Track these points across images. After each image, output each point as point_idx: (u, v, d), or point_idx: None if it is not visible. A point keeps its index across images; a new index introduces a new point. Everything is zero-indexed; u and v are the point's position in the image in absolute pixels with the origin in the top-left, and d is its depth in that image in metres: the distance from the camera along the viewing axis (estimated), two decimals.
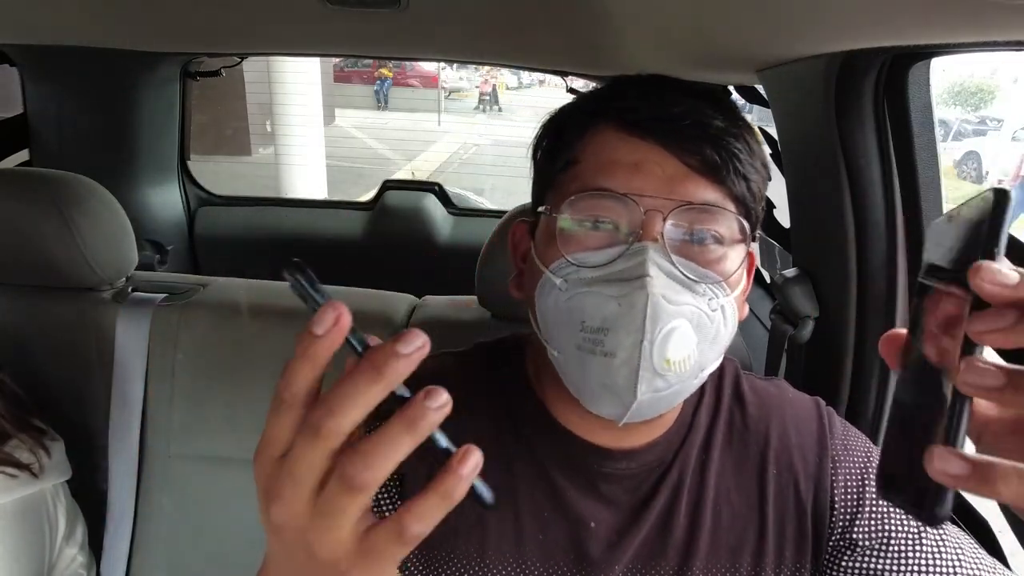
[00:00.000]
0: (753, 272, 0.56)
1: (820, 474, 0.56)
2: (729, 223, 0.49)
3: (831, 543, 0.55)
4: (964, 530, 0.76)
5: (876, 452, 0.58)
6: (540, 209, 0.54)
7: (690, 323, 0.46)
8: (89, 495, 0.96)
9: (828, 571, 0.55)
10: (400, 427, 0.27)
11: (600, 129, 0.51)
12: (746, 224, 0.50)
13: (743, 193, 0.50)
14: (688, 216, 0.48)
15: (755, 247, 0.55)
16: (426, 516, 0.28)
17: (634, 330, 0.45)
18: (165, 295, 1.00)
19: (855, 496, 0.55)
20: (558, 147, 0.54)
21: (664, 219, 0.47)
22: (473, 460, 0.29)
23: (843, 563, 0.54)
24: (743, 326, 1.07)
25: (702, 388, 0.59)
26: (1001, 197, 0.26)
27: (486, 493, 0.31)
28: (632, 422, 0.49)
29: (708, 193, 0.48)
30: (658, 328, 0.45)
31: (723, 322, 0.49)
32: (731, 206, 0.49)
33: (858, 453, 0.57)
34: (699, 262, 0.48)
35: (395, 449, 0.27)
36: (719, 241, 0.49)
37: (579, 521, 0.54)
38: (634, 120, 0.50)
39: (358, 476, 0.27)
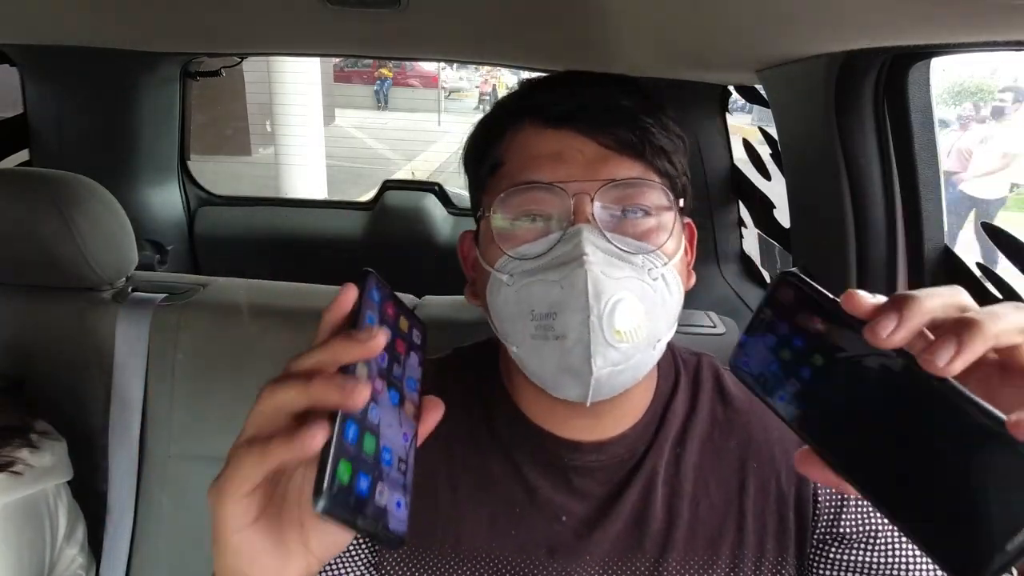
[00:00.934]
0: (695, 243, 0.59)
1: None
2: (655, 194, 0.51)
3: (816, 536, 0.56)
4: None
5: None
6: (477, 215, 0.56)
7: (633, 294, 0.48)
8: (89, 495, 0.96)
9: (815, 563, 0.56)
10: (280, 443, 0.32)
11: (519, 128, 0.54)
12: (670, 193, 0.52)
13: (663, 166, 0.52)
14: (614, 193, 0.50)
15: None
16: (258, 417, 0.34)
17: (579, 308, 0.47)
18: (165, 295, 1.00)
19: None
20: (484, 152, 0.56)
21: (592, 200, 0.49)
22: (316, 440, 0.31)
23: (830, 555, 0.55)
24: (743, 326, 1.07)
25: (675, 381, 0.61)
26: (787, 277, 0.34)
27: (398, 525, 0.33)
28: (600, 401, 0.50)
29: (630, 170, 0.51)
30: (603, 302, 0.47)
31: (666, 290, 0.51)
32: (655, 178, 0.52)
33: None
34: (632, 235, 0.50)
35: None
36: (648, 213, 0.51)
37: (552, 515, 0.55)
38: (549, 114, 0.52)
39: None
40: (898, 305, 0.29)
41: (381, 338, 0.32)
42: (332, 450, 0.30)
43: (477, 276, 0.57)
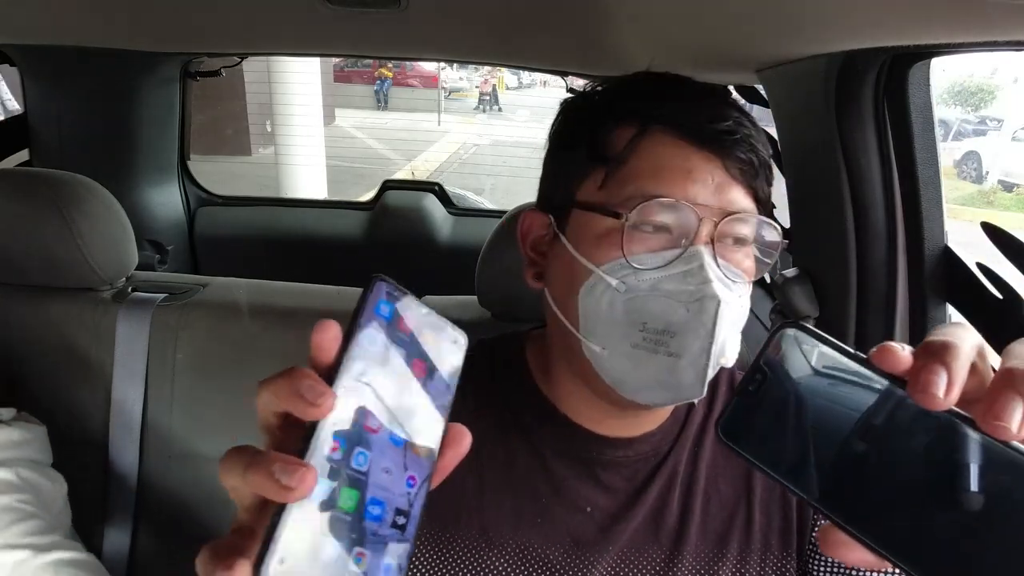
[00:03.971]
0: None
1: None
2: (770, 231, 0.53)
3: (814, 535, 0.57)
4: None
5: None
6: (568, 203, 0.54)
7: (737, 327, 0.52)
8: (89, 496, 0.96)
9: (811, 562, 0.57)
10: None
11: (651, 132, 0.52)
12: (777, 228, 0.54)
13: (765, 197, 0.54)
14: (732, 223, 0.51)
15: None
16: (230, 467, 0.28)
17: (704, 335, 0.48)
18: (165, 295, 1.00)
19: None
20: (595, 141, 0.54)
21: (716, 225, 0.50)
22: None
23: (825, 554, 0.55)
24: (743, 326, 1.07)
25: None
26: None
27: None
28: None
29: (745, 200, 0.52)
30: (722, 333, 0.49)
31: (745, 311, 0.54)
32: (760, 209, 0.53)
33: None
34: (737, 264, 0.52)
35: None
36: (746, 243, 0.53)
37: (576, 506, 0.56)
38: (687, 128, 0.51)
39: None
40: (941, 358, 0.27)
41: (328, 402, 0.26)
42: (282, 516, 0.24)
43: (550, 263, 0.57)
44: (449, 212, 1.85)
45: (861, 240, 0.78)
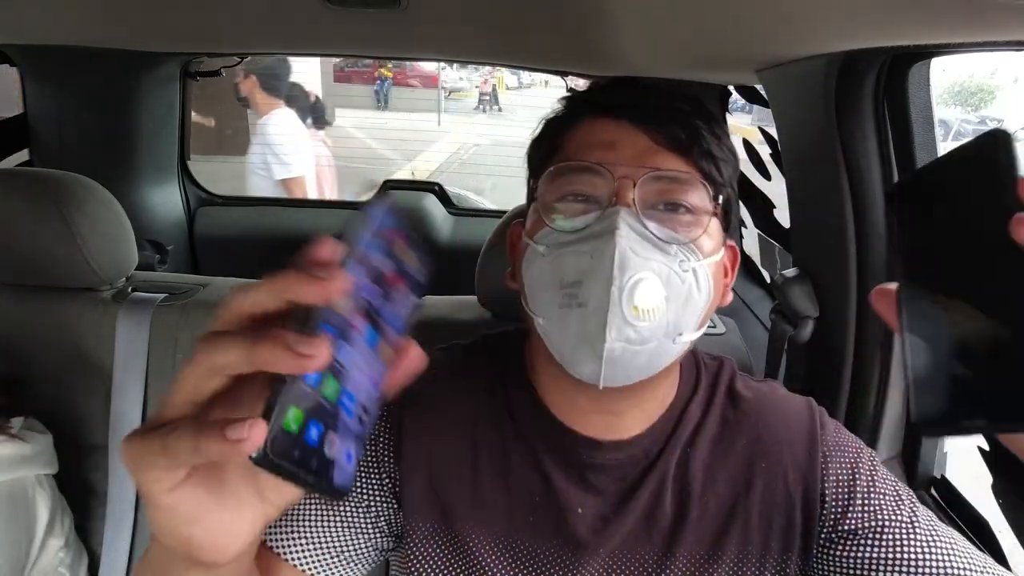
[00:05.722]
0: (737, 265, 0.60)
1: (810, 468, 0.57)
2: (698, 193, 0.52)
3: (823, 535, 0.56)
4: (963, 528, 0.76)
5: (867, 451, 0.59)
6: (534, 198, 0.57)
7: (659, 277, 0.49)
8: (90, 494, 0.96)
9: (822, 562, 0.56)
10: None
11: (580, 120, 0.56)
12: (711, 196, 0.53)
13: (710, 171, 0.53)
14: (658, 186, 0.52)
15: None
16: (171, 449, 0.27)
17: (604, 278, 0.48)
18: (165, 295, 1.00)
19: (846, 489, 0.56)
20: (545, 143, 0.58)
21: (635, 186, 0.50)
22: (240, 432, 0.25)
23: (837, 552, 0.55)
24: (743, 326, 1.07)
25: (695, 386, 0.61)
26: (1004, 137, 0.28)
27: (343, 478, 0.29)
28: (614, 389, 0.51)
29: (676, 166, 0.52)
30: (626, 276, 0.48)
31: (695, 285, 0.51)
32: (699, 178, 0.53)
33: (848, 449, 0.59)
34: (669, 226, 0.51)
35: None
36: (690, 210, 0.52)
37: (567, 507, 0.57)
38: (608, 104, 0.55)
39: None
40: None
41: (341, 281, 0.28)
42: (282, 393, 0.26)
43: (518, 257, 0.59)
44: (449, 212, 1.85)
45: (861, 240, 0.78)
